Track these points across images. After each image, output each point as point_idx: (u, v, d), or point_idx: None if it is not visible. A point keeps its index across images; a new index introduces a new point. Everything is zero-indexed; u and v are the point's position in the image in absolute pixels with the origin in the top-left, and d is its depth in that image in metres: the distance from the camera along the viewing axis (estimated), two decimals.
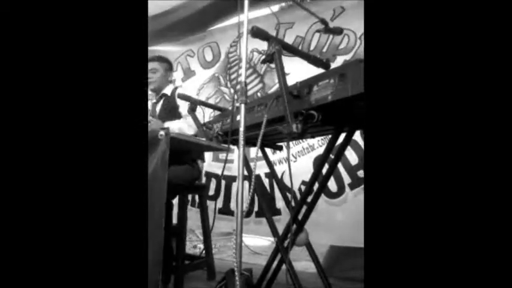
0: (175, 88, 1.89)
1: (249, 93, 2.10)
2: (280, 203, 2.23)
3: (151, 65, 1.90)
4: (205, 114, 1.68)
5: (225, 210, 2.49)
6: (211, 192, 2.52)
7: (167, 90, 1.89)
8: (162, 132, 0.88)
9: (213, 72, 2.71)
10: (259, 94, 2.47)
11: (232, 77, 2.65)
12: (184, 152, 1.54)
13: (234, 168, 2.45)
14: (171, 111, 1.77)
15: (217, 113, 1.81)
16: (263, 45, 2.56)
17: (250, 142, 1.23)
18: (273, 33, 2.03)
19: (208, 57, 2.76)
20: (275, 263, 1.30)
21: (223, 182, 2.55)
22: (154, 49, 3.07)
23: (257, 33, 1.10)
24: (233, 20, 2.72)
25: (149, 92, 1.86)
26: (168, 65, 1.97)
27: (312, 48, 2.28)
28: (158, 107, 1.88)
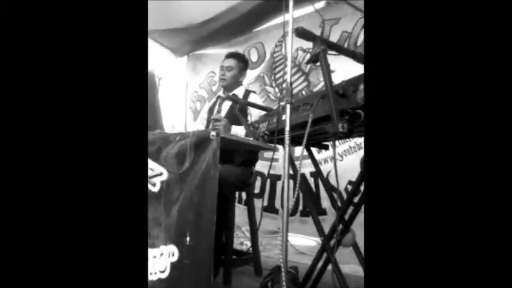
0: (248, 92, 1.82)
1: (294, 91, 2.09)
2: (325, 203, 2.21)
3: (228, 62, 1.83)
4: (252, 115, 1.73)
5: (270, 209, 2.53)
6: (256, 190, 2.58)
7: (238, 92, 1.83)
8: (213, 133, 0.94)
9: (258, 73, 2.76)
10: (304, 92, 2.46)
11: (277, 76, 2.67)
12: (238, 154, 1.58)
13: (279, 167, 2.47)
14: (237, 118, 1.61)
15: (263, 113, 1.85)
16: (308, 44, 2.54)
17: (295, 141, 1.24)
18: (318, 31, 2.01)
19: (254, 57, 2.82)
20: (320, 263, 1.29)
21: (268, 181, 2.59)
22: (200, 53, 3.22)
23: (302, 33, 1.11)
24: (277, 20, 2.75)
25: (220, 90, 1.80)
26: (243, 65, 1.88)
27: (359, 44, 2.22)
28: (225, 106, 1.83)
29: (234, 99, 1.63)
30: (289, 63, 1.05)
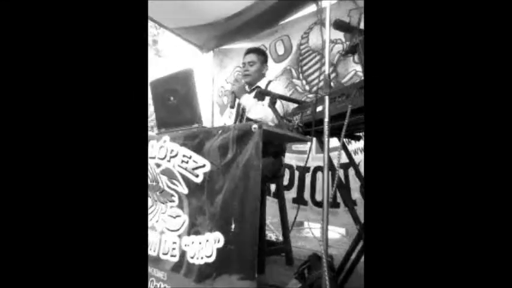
0: (269, 82, 1.88)
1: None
2: (355, 194, 2.20)
3: (249, 58, 1.89)
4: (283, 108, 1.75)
5: (299, 200, 2.55)
6: (284, 182, 2.61)
7: (261, 83, 1.88)
8: (255, 126, 0.97)
9: (285, 66, 2.77)
10: (332, 84, 2.44)
11: (304, 68, 2.67)
12: (270, 145, 1.62)
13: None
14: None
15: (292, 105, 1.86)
16: (336, 34, 2.51)
17: (331, 133, 1.26)
18: (346, 20, 1.99)
19: (280, 50, 2.82)
20: (354, 254, 1.32)
21: (296, 173, 2.62)
22: (226, 48, 3.26)
23: (340, 25, 1.11)
24: (304, 12, 2.73)
25: (246, 86, 1.82)
26: (264, 58, 1.94)
27: None
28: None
29: (265, 92, 1.66)
30: (327, 55, 1.06)
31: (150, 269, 1.17)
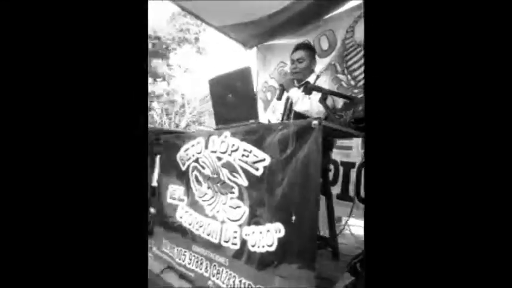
0: (318, 77, 1.88)
1: None
2: None
3: (298, 54, 1.87)
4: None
5: (343, 196, 2.54)
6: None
7: (310, 79, 1.88)
8: (315, 122, 1.01)
9: (329, 61, 2.75)
10: None
11: (349, 63, 2.64)
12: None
13: (353, 155, 2.47)
14: None
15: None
16: None
17: None
18: None
19: (324, 45, 2.81)
20: None
21: (340, 168, 2.61)
22: (270, 44, 3.30)
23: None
24: (348, 6, 2.69)
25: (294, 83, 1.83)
26: (312, 53, 1.92)
27: None
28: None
29: (316, 88, 1.69)
30: None
31: (211, 255, 1.27)
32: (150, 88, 13.93)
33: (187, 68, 15.52)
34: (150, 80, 14.49)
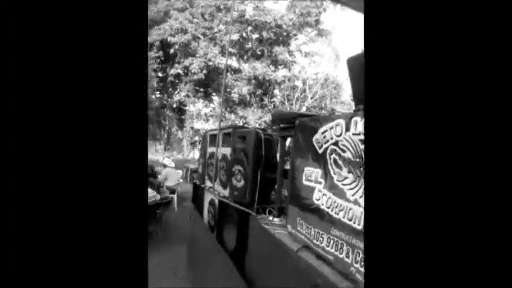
0: None
1: None
2: None
3: None
4: None
5: None
6: None
7: None
8: None
9: None
10: None
11: None
12: None
13: None
14: None
15: None
16: None
17: None
18: None
19: None
20: None
21: None
22: None
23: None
24: None
25: None
26: None
27: None
28: None
29: None
30: None
31: (353, 241, 1.22)
32: (273, 75, 14.57)
33: (308, 52, 15.48)
34: (272, 67, 15.17)
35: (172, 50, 14.34)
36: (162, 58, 14.77)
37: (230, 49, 14.70)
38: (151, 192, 4.11)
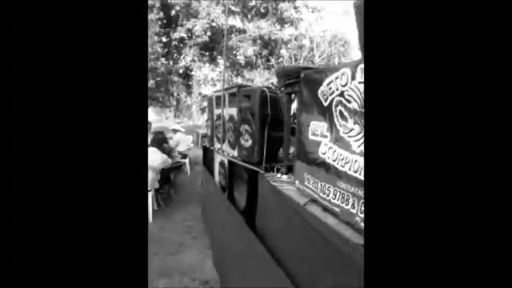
0: None
1: None
2: None
3: None
4: None
5: None
6: None
7: None
8: None
9: None
10: None
11: None
12: None
13: None
14: None
15: None
16: None
17: None
18: None
19: None
20: None
21: None
22: None
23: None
24: None
25: None
26: None
27: None
28: None
29: None
30: None
31: (359, 192, 1.22)
32: (279, 34, 13.99)
33: (314, 7, 14.66)
34: (277, 26, 14.50)
35: (173, 12, 13.80)
36: (164, 21, 14.26)
37: (233, 8, 14.03)
38: (163, 157, 4.19)
